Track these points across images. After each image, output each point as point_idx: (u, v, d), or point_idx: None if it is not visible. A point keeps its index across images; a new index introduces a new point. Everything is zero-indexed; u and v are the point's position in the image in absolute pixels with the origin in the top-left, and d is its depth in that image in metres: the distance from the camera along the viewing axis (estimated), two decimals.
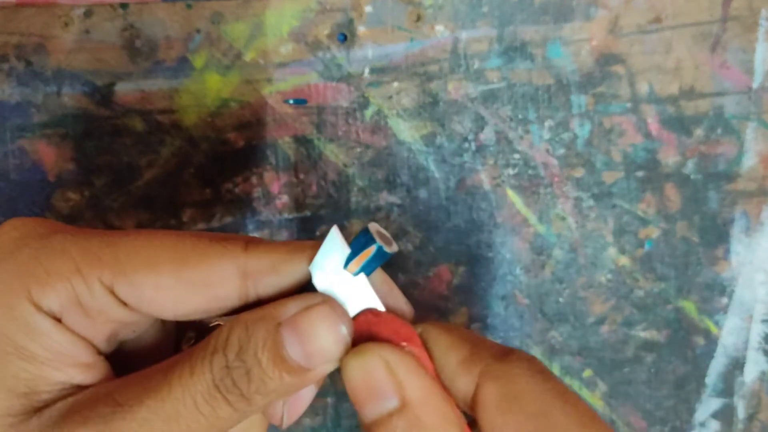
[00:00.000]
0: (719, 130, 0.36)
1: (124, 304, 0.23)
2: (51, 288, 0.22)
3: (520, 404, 0.21)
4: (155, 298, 0.23)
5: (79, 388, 0.23)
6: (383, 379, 0.22)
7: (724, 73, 0.35)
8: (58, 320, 0.23)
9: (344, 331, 0.22)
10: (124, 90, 0.34)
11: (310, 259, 0.23)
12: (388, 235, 0.24)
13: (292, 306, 0.23)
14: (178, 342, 0.28)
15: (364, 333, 0.23)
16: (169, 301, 0.23)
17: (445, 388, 0.23)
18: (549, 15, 0.35)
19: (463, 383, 0.22)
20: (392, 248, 0.23)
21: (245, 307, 0.24)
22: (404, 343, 0.22)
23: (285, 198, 0.35)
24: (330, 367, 0.23)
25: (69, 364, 0.23)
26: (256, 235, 0.35)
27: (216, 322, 0.25)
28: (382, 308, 0.23)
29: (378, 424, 0.22)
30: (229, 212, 0.35)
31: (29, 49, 0.34)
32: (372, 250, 0.22)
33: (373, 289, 0.23)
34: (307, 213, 0.35)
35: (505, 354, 0.22)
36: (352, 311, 0.23)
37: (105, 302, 0.23)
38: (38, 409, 0.22)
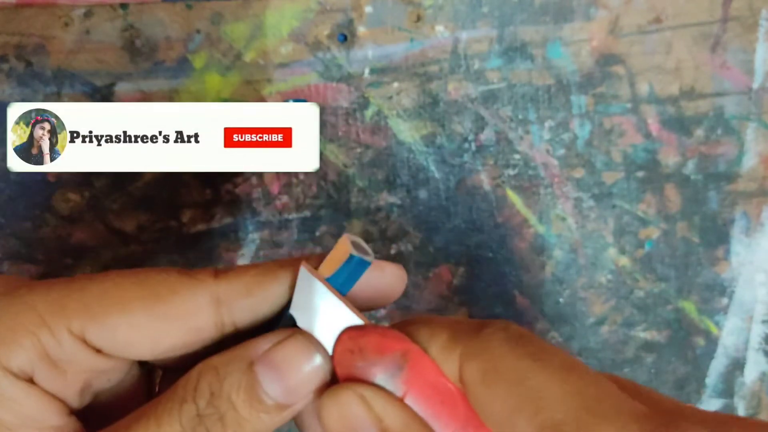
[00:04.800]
0: (719, 131, 0.36)
1: (97, 351, 0.23)
2: (18, 345, 0.22)
3: (500, 376, 0.20)
4: (130, 338, 0.23)
5: None
6: (361, 414, 0.21)
7: (724, 73, 0.35)
8: (29, 379, 0.22)
9: (320, 361, 0.22)
10: (124, 90, 0.34)
11: (284, 279, 0.23)
12: (363, 244, 0.23)
13: (262, 343, 0.22)
14: (150, 388, 0.27)
15: (353, 350, 0.22)
16: (144, 340, 0.23)
17: (449, 381, 0.22)
18: (549, 15, 0.35)
19: (448, 368, 0.22)
20: (369, 257, 0.23)
21: (224, 339, 0.23)
22: (400, 349, 0.22)
23: (285, 198, 0.35)
24: (307, 401, 0.22)
25: (39, 428, 0.22)
26: (255, 235, 0.35)
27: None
28: (361, 322, 0.23)
29: None
30: (229, 213, 0.35)
31: (29, 49, 0.34)
32: (349, 261, 0.22)
33: (349, 308, 0.23)
34: (307, 213, 0.35)
35: (480, 328, 0.22)
36: (336, 334, 0.23)
37: (76, 352, 0.22)
38: None
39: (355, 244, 0.23)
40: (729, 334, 0.37)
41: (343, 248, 0.23)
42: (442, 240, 0.36)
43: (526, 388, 0.20)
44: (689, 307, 0.37)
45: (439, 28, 0.34)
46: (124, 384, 0.25)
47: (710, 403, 0.38)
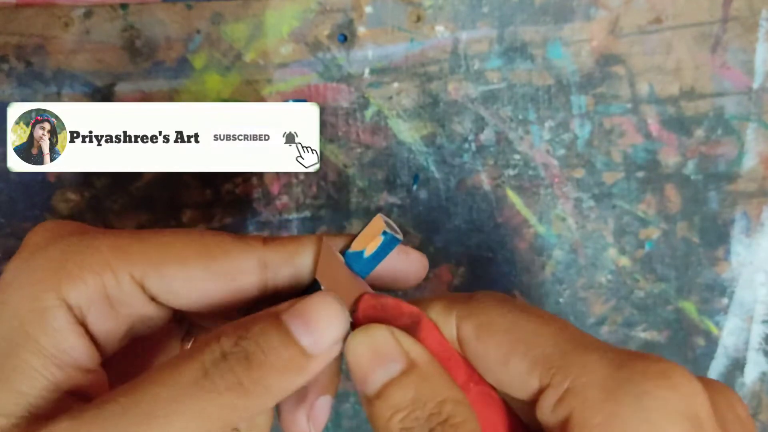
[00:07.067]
0: (719, 131, 0.36)
1: (151, 298, 0.25)
2: (81, 281, 0.23)
3: (492, 327, 0.23)
4: (183, 289, 0.24)
5: (72, 396, 0.23)
6: (391, 346, 0.23)
7: (724, 73, 0.35)
8: (81, 317, 0.24)
9: (343, 308, 0.23)
10: (124, 90, 0.34)
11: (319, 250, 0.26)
12: (393, 224, 0.26)
13: (286, 303, 0.23)
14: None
15: (377, 306, 0.24)
16: (196, 292, 0.25)
17: (455, 352, 0.25)
18: (549, 15, 0.35)
19: (446, 331, 0.24)
20: (399, 236, 0.26)
21: (263, 299, 0.25)
22: (412, 312, 0.24)
23: (285, 198, 0.35)
24: (334, 352, 0.23)
25: (71, 365, 0.23)
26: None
27: None
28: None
29: (388, 387, 0.22)
30: (229, 213, 0.35)
31: (29, 49, 0.34)
32: (380, 239, 0.25)
33: (360, 281, 0.25)
34: (307, 213, 0.35)
35: (471, 296, 0.25)
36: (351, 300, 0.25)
37: (133, 295, 0.24)
38: (33, 419, 0.22)
39: (387, 224, 0.26)
40: (729, 334, 0.37)
41: (377, 225, 0.25)
42: (442, 240, 0.36)
43: (516, 333, 0.23)
44: (689, 307, 0.37)
45: (439, 28, 0.35)
46: (156, 336, 0.27)
47: None
